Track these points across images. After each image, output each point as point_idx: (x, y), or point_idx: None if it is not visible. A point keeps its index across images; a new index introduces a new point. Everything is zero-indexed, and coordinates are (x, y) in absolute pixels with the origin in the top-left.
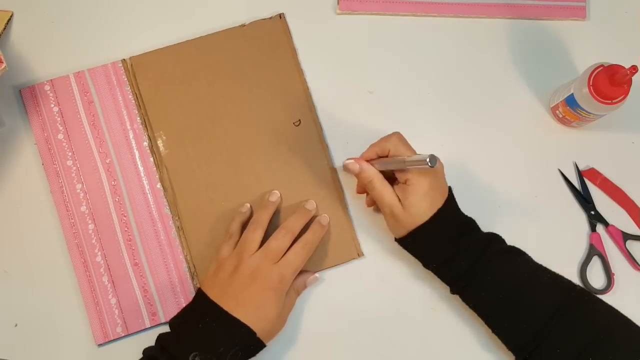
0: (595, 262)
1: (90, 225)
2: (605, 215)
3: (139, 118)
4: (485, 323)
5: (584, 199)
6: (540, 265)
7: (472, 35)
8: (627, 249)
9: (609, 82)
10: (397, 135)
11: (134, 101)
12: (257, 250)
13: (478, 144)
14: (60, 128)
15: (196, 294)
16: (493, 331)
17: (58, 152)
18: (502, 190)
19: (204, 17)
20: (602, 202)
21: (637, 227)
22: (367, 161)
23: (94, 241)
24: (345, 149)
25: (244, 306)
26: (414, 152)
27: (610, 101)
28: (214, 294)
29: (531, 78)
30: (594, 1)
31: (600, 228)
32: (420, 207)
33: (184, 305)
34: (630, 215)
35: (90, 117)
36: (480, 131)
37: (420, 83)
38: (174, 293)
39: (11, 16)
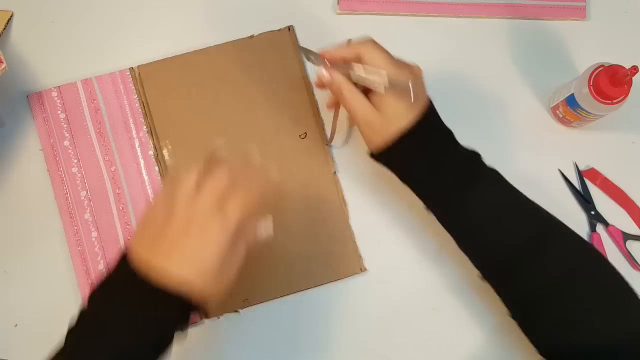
0: None
1: (93, 233)
2: (605, 215)
3: (145, 127)
4: (458, 242)
5: (584, 199)
6: (518, 191)
7: (472, 35)
8: (627, 249)
9: (609, 82)
10: (372, 42)
11: (140, 110)
12: (192, 195)
13: (478, 143)
14: (66, 135)
15: (120, 259)
16: (466, 251)
17: (63, 159)
18: None
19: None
20: (602, 202)
21: (637, 227)
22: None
23: (97, 249)
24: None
25: (178, 262)
26: (391, 62)
27: (610, 101)
28: (141, 253)
29: (531, 78)
30: (594, 1)
31: (600, 228)
32: (397, 111)
33: None
34: (630, 215)
35: (97, 124)
36: (480, 131)
37: None
38: None
39: (11, 16)
